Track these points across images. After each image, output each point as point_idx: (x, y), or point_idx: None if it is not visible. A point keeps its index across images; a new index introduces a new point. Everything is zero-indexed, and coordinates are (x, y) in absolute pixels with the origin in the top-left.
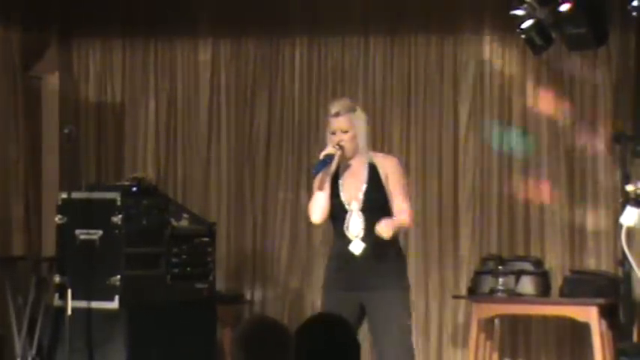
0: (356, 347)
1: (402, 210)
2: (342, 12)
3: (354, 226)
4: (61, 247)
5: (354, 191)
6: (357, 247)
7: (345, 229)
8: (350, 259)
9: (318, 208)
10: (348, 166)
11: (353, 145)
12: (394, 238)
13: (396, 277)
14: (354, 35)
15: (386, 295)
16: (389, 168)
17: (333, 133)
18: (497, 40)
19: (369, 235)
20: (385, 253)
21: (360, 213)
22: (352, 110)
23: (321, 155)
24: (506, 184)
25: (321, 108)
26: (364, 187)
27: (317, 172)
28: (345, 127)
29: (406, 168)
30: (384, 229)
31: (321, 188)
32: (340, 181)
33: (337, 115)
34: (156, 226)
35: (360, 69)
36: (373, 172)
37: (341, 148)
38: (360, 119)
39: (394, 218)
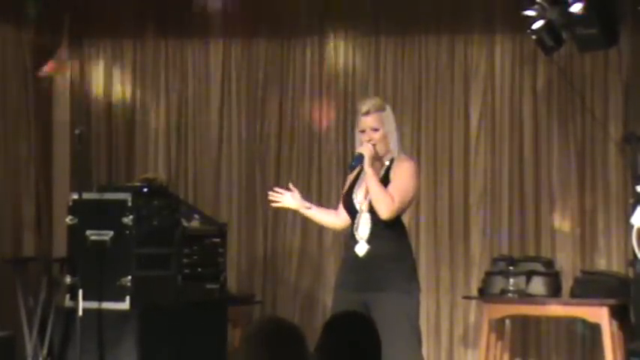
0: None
1: (390, 195)
2: (353, 12)
3: (363, 227)
4: (72, 247)
5: (366, 192)
6: (361, 248)
7: (354, 229)
8: (356, 261)
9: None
10: (372, 166)
11: (384, 144)
12: (401, 242)
13: (400, 280)
14: (365, 35)
15: (388, 297)
16: (398, 168)
17: (363, 132)
18: (508, 40)
19: (375, 237)
20: (390, 256)
21: (369, 215)
22: (382, 109)
23: (356, 153)
24: (516, 185)
25: (332, 108)
26: None
27: (352, 169)
28: (375, 126)
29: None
30: (365, 149)
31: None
32: (359, 181)
33: (367, 113)
34: (167, 226)
35: (371, 69)
36: (386, 173)
37: (373, 147)
38: (389, 118)
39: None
